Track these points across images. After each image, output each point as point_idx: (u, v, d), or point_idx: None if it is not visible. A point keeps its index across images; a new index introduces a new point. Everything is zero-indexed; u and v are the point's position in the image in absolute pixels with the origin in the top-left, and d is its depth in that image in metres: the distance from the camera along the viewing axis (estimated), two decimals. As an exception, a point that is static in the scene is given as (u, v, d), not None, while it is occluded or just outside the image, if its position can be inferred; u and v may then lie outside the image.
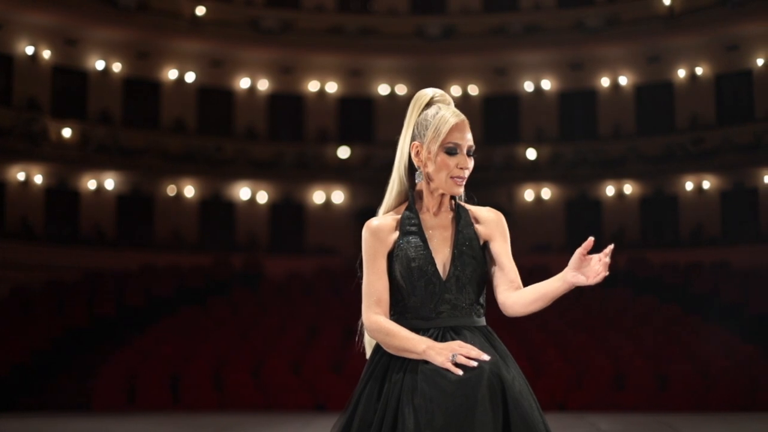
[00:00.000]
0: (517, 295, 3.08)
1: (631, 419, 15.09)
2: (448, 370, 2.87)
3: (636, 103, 26.73)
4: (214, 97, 26.72)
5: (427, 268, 3.06)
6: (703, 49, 25.57)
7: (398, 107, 24.38)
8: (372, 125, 27.37)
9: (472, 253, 3.10)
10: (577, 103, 27.10)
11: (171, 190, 25.89)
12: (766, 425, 13.81)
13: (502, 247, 3.16)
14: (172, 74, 26.13)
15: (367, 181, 25.59)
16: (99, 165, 24.69)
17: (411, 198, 3.17)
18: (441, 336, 3.01)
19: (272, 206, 26.81)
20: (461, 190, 3.13)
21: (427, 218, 3.15)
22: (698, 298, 21.95)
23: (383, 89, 27.31)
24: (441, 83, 24.80)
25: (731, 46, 25.20)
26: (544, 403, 3.23)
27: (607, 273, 2.86)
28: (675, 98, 26.20)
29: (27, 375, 18.66)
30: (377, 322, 3.05)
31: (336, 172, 26.69)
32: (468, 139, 3.11)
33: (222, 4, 26.16)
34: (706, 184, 25.43)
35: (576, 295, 20.21)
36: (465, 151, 3.11)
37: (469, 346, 2.92)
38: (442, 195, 3.14)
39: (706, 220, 25.20)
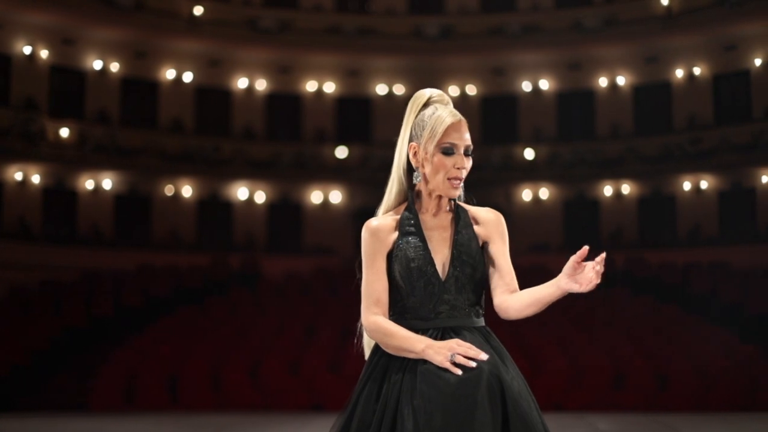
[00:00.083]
0: (512, 299, 3.09)
1: (629, 419, 15.10)
2: (447, 370, 2.86)
3: (634, 103, 26.74)
4: (212, 97, 26.71)
5: (427, 269, 3.05)
6: (701, 49, 25.57)
7: (396, 107, 24.37)
8: (370, 125, 27.36)
9: (471, 254, 3.10)
10: (575, 103, 27.10)
11: (169, 190, 25.88)
12: (765, 425, 13.82)
13: (500, 249, 3.16)
14: (170, 74, 26.12)
15: (365, 181, 25.58)
16: (97, 165, 24.67)
17: (410, 198, 3.16)
18: (440, 336, 3.00)
19: (270, 206, 26.80)
20: (457, 193, 3.12)
21: (426, 219, 3.14)
22: (697, 298, 21.95)
23: (381, 89, 27.31)
24: (439, 83, 24.80)
25: (729, 46, 25.21)
26: (542, 403, 3.22)
27: (599, 281, 2.87)
28: (673, 98, 26.20)
29: (25, 375, 18.65)
30: (376, 323, 3.04)
31: (334, 172, 26.68)
32: (465, 139, 3.10)
33: (220, 3, 26.15)
34: (703, 184, 25.44)
35: (574, 295, 20.15)
36: (462, 151, 3.09)
37: (467, 344, 2.92)
38: (440, 196, 3.13)
39: (704, 220, 25.21)
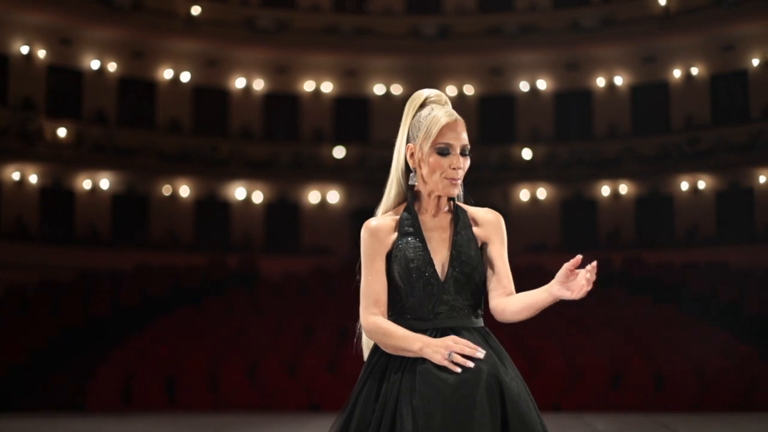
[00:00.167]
0: (506, 303, 3.09)
1: (627, 419, 15.10)
2: (446, 369, 2.87)
3: (631, 103, 26.75)
4: (210, 97, 26.70)
5: (426, 269, 3.05)
6: (699, 49, 25.59)
7: (394, 107, 24.36)
8: (367, 125, 27.36)
9: (470, 255, 3.10)
10: (573, 103, 27.11)
11: (166, 189, 25.86)
12: (763, 425, 13.82)
13: (498, 251, 3.16)
14: (168, 74, 26.10)
15: (363, 181, 25.58)
16: (94, 165, 24.66)
17: (410, 199, 3.16)
18: (439, 337, 2.99)
19: (267, 206, 26.79)
20: (455, 192, 3.12)
21: (425, 219, 3.14)
22: (694, 298, 21.94)
23: (379, 89, 27.30)
24: (436, 83, 24.80)
25: (726, 47, 25.22)
26: (540, 403, 3.22)
27: (591, 288, 2.88)
28: (670, 98, 26.21)
29: (23, 375, 18.62)
30: (375, 323, 3.05)
31: (331, 172, 26.68)
32: (462, 139, 3.10)
33: (217, 3, 26.14)
34: (701, 184, 25.45)
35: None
36: (458, 151, 3.09)
37: (464, 341, 2.93)
38: (439, 197, 3.13)
39: (702, 220, 25.22)
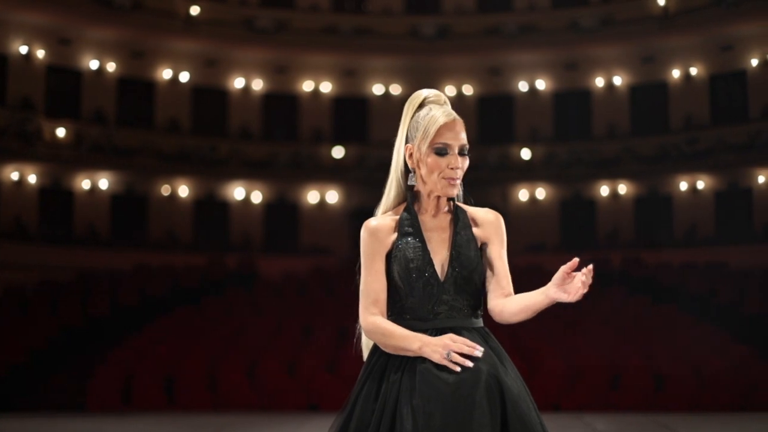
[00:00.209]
0: (504, 304, 3.09)
1: (626, 419, 15.10)
2: (446, 369, 2.87)
3: (630, 103, 26.75)
4: (209, 97, 26.69)
5: (426, 269, 3.05)
6: (698, 49, 25.59)
7: (393, 107, 24.37)
8: (366, 125, 27.35)
9: (470, 255, 3.10)
10: (572, 103, 27.11)
11: (165, 189, 25.86)
12: (761, 425, 13.82)
13: (497, 252, 3.16)
14: (167, 74, 26.10)
15: (362, 181, 25.58)
16: (93, 165, 24.65)
17: (409, 199, 3.16)
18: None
19: (266, 206, 26.79)
20: (454, 192, 3.12)
21: (425, 220, 3.14)
22: (693, 298, 21.94)
23: (378, 89, 27.30)
24: (435, 83, 24.80)
25: (725, 47, 25.23)
26: (540, 403, 3.22)
27: (586, 291, 2.89)
28: (669, 98, 26.22)
29: (22, 375, 18.62)
30: (374, 323, 3.05)
31: (330, 172, 26.67)
32: (460, 139, 3.09)
33: (216, 3, 26.13)
34: (700, 184, 25.45)
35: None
36: (457, 151, 3.08)
37: (462, 339, 2.93)
38: (438, 197, 3.13)
39: (701, 220, 25.22)
